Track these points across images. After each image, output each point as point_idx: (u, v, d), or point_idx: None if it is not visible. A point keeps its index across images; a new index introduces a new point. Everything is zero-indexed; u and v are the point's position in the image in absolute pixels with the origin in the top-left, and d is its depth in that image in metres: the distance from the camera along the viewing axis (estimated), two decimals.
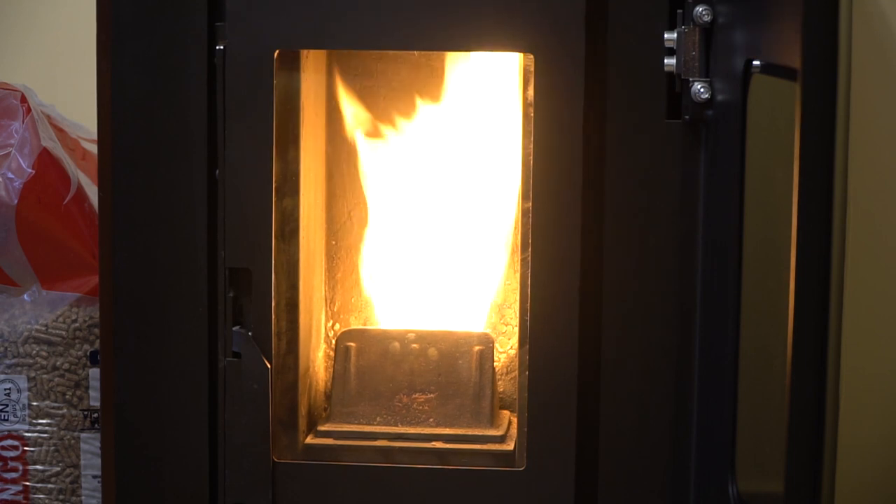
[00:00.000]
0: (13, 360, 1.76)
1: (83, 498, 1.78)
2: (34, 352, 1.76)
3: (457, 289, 1.69)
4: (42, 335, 1.76)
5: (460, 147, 1.68)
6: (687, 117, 1.49)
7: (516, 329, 1.68)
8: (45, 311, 1.77)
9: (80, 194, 1.77)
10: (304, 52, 1.58)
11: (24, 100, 1.79)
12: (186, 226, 1.53)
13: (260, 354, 1.53)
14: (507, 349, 1.70)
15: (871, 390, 1.96)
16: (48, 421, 1.77)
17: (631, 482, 1.53)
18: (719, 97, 1.45)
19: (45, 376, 1.76)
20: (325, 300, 1.72)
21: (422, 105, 1.68)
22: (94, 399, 1.77)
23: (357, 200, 1.71)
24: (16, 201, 1.75)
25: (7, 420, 1.77)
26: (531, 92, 1.50)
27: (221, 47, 1.51)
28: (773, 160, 1.34)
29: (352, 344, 1.64)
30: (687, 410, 1.52)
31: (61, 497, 1.78)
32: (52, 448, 1.77)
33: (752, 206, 1.40)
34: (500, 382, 1.68)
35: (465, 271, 1.69)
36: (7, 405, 1.77)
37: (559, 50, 1.48)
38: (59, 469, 1.78)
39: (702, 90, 1.46)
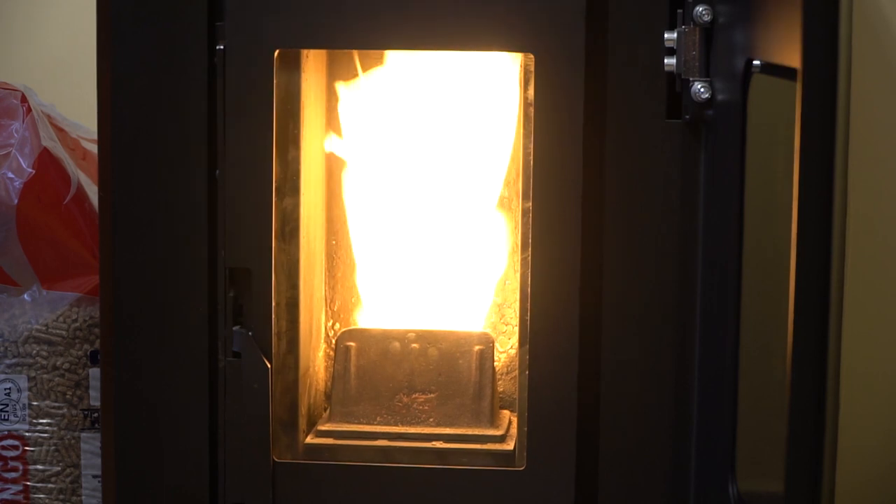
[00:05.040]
0: (13, 360, 1.76)
1: (83, 498, 1.78)
2: (34, 351, 1.76)
3: (457, 288, 1.69)
4: (42, 335, 1.76)
5: (460, 146, 1.68)
6: (687, 117, 1.49)
7: (516, 329, 1.68)
8: (45, 311, 1.77)
9: (80, 194, 1.77)
10: (304, 52, 1.58)
11: (24, 100, 1.79)
12: (186, 226, 1.53)
13: (260, 354, 1.53)
14: (507, 349, 1.71)
15: (871, 391, 1.96)
16: (48, 421, 1.77)
17: (631, 482, 1.53)
18: (719, 97, 1.45)
19: (45, 376, 1.76)
20: (325, 300, 1.72)
21: (421, 104, 1.68)
22: (94, 399, 1.77)
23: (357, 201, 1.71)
24: (16, 201, 1.75)
25: (7, 420, 1.77)
26: (531, 92, 1.51)
27: (221, 47, 1.51)
28: (773, 160, 1.34)
29: (352, 344, 1.64)
30: (687, 410, 1.52)
31: (61, 497, 1.78)
32: (53, 448, 1.77)
33: (753, 206, 1.40)
34: (500, 382, 1.68)
35: (465, 271, 1.69)
36: (7, 405, 1.77)
37: (559, 50, 1.48)
38: (59, 469, 1.78)
39: (702, 90, 1.46)
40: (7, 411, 1.77)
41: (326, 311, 1.72)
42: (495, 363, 1.64)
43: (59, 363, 1.76)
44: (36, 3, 2.09)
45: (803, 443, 1.15)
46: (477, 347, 1.63)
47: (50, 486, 1.78)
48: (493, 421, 1.62)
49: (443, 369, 1.63)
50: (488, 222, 1.69)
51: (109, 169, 1.54)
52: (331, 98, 1.69)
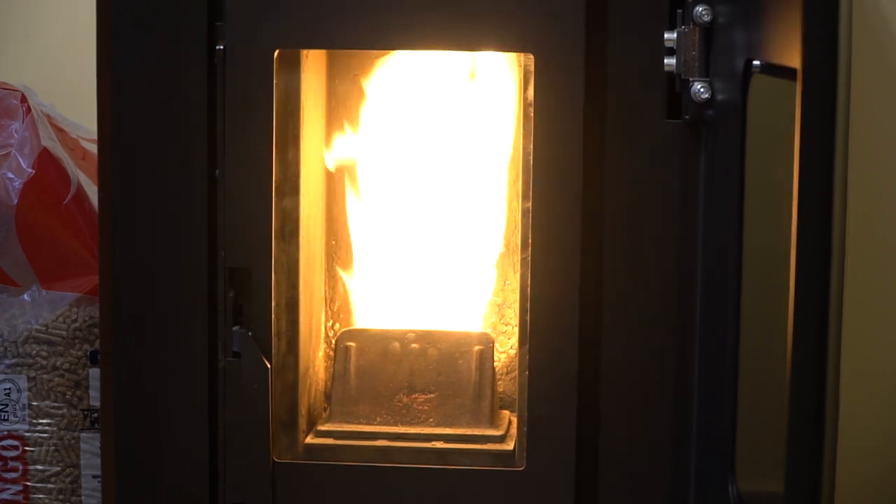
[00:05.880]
0: (13, 360, 1.76)
1: (83, 498, 1.78)
2: (34, 352, 1.76)
3: (457, 288, 1.69)
4: (42, 335, 1.76)
5: (460, 147, 1.68)
6: (687, 117, 1.49)
7: (516, 329, 1.68)
8: (45, 311, 1.77)
9: (80, 194, 1.77)
10: (304, 52, 1.58)
11: (24, 100, 1.79)
12: (186, 226, 1.53)
13: (260, 354, 1.53)
14: (507, 349, 1.70)
15: (871, 391, 1.96)
16: (48, 421, 1.77)
17: (631, 482, 1.53)
18: (719, 97, 1.45)
19: (45, 376, 1.76)
20: (325, 300, 1.72)
21: (421, 105, 1.68)
22: (94, 399, 1.77)
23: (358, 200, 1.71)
24: (16, 201, 1.75)
25: (7, 420, 1.77)
26: (531, 92, 1.50)
27: (221, 47, 1.51)
28: (773, 160, 1.34)
29: (352, 344, 1.64)
30: (687, 410, 1.52)
31: (61, 497, 1.78)
32: (52, 448, 1.77)
33: (753, 206, 1.40)
34: (500, 382, 1.68)
35: (465, 271, 1.69)
36: (7, 405, 1.77)
37: (559, 50, 1.48)
38: (59, 469, 1.78)
39: (702, 90, 1.46)
40: (7, 411, 1.77)
41: (326, 311, 1.72)
42: (495, 363, 1.64)
43: (58, 363, 1.76)
44: (36, 3, 2.09)
45: (803, 443, 1.15)
46: (477, 347, 1.63)
47: (50, 486, 1.78)
48: (492, 421, 1.62)
49: (442, 369, 1.63)
50: (488, 222, 1.69)
51: (109, 169, 1.54)
52: (331, 98, 1.69)
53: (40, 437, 1.77)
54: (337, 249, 1.72)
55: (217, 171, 1.52)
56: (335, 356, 1.65)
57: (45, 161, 1.76)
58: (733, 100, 1.40)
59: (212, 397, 1.55)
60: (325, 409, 1.68)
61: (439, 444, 1.59)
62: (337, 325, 1.72)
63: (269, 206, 1.52)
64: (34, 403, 1.77)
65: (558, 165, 1.50)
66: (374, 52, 1.66)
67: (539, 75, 1.49)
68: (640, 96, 1.50)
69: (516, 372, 1.66)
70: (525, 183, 1.52)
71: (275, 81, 1.51)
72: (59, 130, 1.83)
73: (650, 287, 1.52)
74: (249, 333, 1.53)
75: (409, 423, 1.62)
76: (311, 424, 1.64)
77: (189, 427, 1.55)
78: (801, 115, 1.13)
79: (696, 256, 1.51)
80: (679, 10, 1.47)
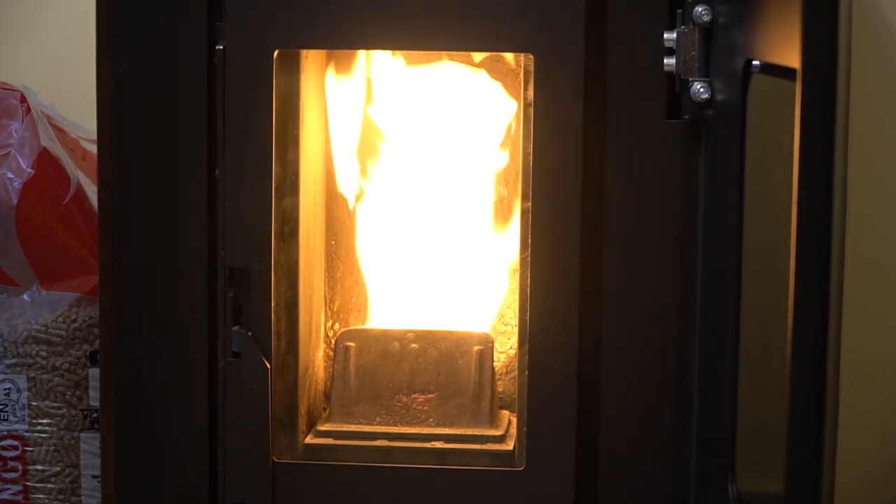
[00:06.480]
0: (13, 360, 1.76)
1: (83, 498, 1.78)
2: (34, 352, 1.76)
3: (457, 288, 1.69)
4: (42, 335, 1.76)
5: (460, 147, 1.68)
6: (687, 117, 1.49)
7: (516, 329, 1.68)
8: (44, 311, 1.77)
9: (80, 194, 1.77)
10: (304, 52, 1.58)
11: (24, 100, 1.79)
12: (186, 226, 1.53)
13: (260, 354, 1.53)
14: (507, 349, 1.70)
15: (871, 391, 1.96)
16: (48, 421, 1.77)
17: (631, 482, 1.53)
18: (719, 97, 1.45)
19: (44, 376, 1.76)
20: (325, 300, 1.72)
21: (422, 105, 1.68)
22: (94, 399, 1.77)
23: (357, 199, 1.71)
24: (16, 201, 1.75)
25: (7, 420, 1.77)
26: (531, 92, 1.51)
27: (221, 47, 1.51)
28: (773, 160, 1.34)
29: (352, 344, 1.64)
30: (687, 410, 1.52)
31: (61, 497, 1.78)
32: (52, 448, 1.77)
33: (752, 206, 1.40)
34: (500, 382, 1.68)
35: (466, 271, 1.69)
36: (7, 405, 1.77)
37: (559, 50, 1.48)
38: (58, 469, 1.78)
39: (701, 90, 1.46)
40: (7, 411, 1.77)
41: (326, 311, 1.72)
42: (495, 363, 1.64)
43: (58, 363, 1.76)
44: (35, 3, 2.09)
45: (803, 443, 1.15)
46: (476, 348, 1.63)
47: (49, 486, 1.78)
48: (492, 421, 1.62)
49: (442, 369, 1.63)
50: (488, 222, 1.69)
51: (109, 169, 1.54)
52: (330, 98, 1.69)
53: (40, 437, 1.77)
54: (337, 249, 1.72)
55: (217, 171, 1.52)
56: (335, 356, 1.65)
57: (45, 161, 1.76)
58: (733, 100, 1.40)
59: (212, 397, 1.55)
60: (324, 409, 1.68)
61: (439, 444, 1.59)
62: (337, 325, 1.72)
63: (269, 206, 1.52)
64: (34, 403, 1.77)
65: (558, 165, 1.50)
66: (374, 52, 1.66)
67: (539, 75, 1.49)
68: (640, 96, 1.50)
69: (516, 372, 1.66)
70: (525, 183, 1.52)
71: (274, 81, 1.51)
72: (59, 130, 1.83)
73: (650, 287, 1.52)
74: (249, 333, 1.53)
75: (409, 423, 1.62)
76: (311, 424, 1.64)
77: (189, 427, 1.55)
78: (801, 115, 1.13)
79: (696, 256, 1.51)
80: (679, 10, 1.47)
